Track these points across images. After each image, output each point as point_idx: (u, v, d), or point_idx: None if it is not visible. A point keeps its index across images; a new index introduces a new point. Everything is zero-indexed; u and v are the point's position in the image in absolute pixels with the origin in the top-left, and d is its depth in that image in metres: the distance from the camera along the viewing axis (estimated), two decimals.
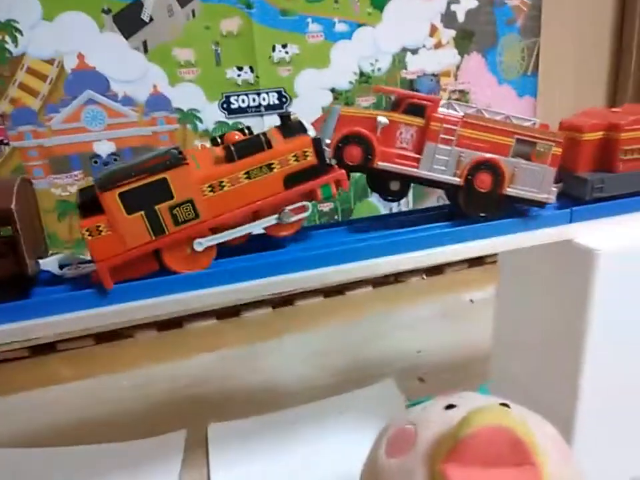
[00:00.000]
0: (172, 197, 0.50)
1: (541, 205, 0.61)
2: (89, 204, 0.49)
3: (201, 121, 1.22)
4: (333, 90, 1.30)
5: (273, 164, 0.52)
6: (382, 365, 1.13)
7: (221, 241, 0.53)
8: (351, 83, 1.31)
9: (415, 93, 0.60)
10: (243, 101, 1.24)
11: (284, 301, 1.41)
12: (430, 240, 0.59)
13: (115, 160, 1.18)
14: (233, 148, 0.51)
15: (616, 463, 0.73)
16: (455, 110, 0.59)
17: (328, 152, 0.56)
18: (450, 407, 0.47)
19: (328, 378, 1.10)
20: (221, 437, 0.92)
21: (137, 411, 1.04)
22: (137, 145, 1.19)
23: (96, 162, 1.17)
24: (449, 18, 1.34)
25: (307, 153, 0.53)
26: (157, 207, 0.50)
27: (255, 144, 0.52)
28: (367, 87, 1.32)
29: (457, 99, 1.41)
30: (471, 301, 1.38)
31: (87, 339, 1.27)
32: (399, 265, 0.58)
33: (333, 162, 0.56)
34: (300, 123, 0.55)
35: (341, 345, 1.23)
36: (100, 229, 0.49)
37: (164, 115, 1.19)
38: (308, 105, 1.27)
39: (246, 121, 1.25)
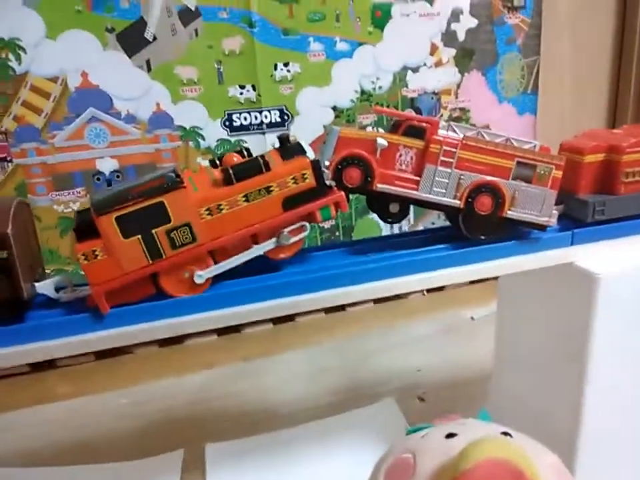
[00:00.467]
0: (169, 221, 0.49)
1: (542, 228, 0.60)
2: (85, 227, 0.49)
3: (203, 138, 1.23)
4: (334, 108, 1.31)
5: (271, 187, 0.52)
6: (382, 382, 1.12)
7: (220, 271, 0.53)
8: (352, 101, 1.32)
9: (414, 114, 0.60)
10: (245, 118, 1.24)
11: (285, 317, 1.40)
12: (429, 263, 0.59)
13: (118, 177, 1.18)
14: (231, 171, 0.51)
15: None
16: (455, 132, 0.59)
17: (327, 174, 0.55)
18: (450, 435, 0.46)
19: (328, 396, 1.09)
20: (219, 458, 0.91)
21: (134, 430, 1.03)
22: (140, 162, 1.20)
23: (99, 179, 1.18)
24: (449, 37, 1.35)
25: (305, 175, 0.52)
26: (154, 231, 0.49)
27: (253, 167, 0.51)
28: (368, 105, 1.33)
29: (457, 117, 1.42)
30: (472, 318, 1.38)
31: (87, 354, 1.26)
32: (396, 289, 0.58)
33: (332, 183, 0.56)
34: (299, 145, 0.54)
35: (341, 362, 1.23)
36: (96, 253, 0.48)
37: (167, 133, 1.20)
38: (309, 123, 1.28)
39: (248, 139, 1.25)
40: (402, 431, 0.51)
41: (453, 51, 1.37)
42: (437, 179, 0.58)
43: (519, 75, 1.44)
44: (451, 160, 0.57)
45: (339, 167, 0.56)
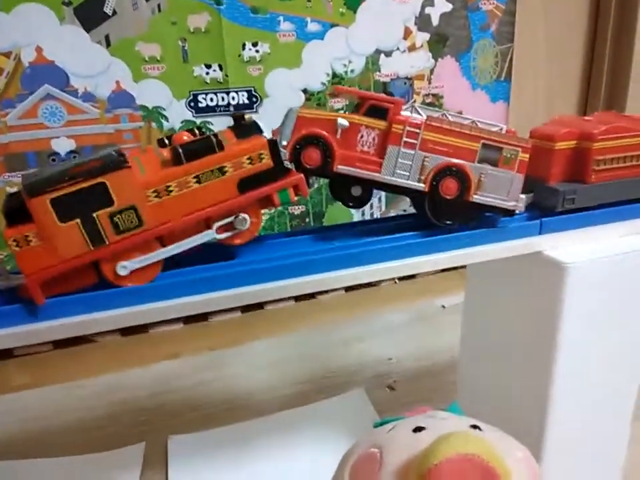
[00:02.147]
0: (112, 203, 0.46)
1: (510, 213, 0.59)
2: (16, 211, 0.45)
3: (166, 119, 1.18)
4: (305, 90, 1.28)
5: (225, 167, 0.48)
6: (352, 372, 1.11)
7: (151, 262, 0.49)
8: (323, 84, 1.29)
9: (377, 94, 0.57)
10: (212, 99, 1.20)
11: (253, 305, 1.38)
12: (395, 251, 0.57)
13: (75, 158, 1.12)
14: (180, 150, 0.47)
15: (586, 477, 0.72)
16: (419, 113, 0.57)
17: (285, 153, 0.52)
18: (418, 429, 0.44)
19: (297, 386, 1.07)
20: (182, 450, 0.89)
21: (94, 422, 1.00)
22: (99, 143, 1.14)
23: (54, 160, 1.12)
24: (423, 21, 1.33)
25: (262, 155, 0.49)
26: (94, 214, 0.45)
27: (205, 145, 0.48)
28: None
29: (430, 103, 1.40)
30: (443, 306, 1.38)
31: (45, 343, 1.22)
32: (361, 278, 0.55)
33: (291, 166, 0.53)
34: (255, 124, 0.51)
35: (310, 351, 1.21)
36: (29, 238, 0.44)
37: (127, 113, 1.15)
38: (279, 106, 1.24)
39: (214, 120, 1.21)
40: (371, 422, 0.50)
41: (427, 36, 1.35)
42: (400, 160, 0.55)
43: (492, 62, 1.43)
44: (415, 141, 0.55)
45: (298, 147, 0.54)
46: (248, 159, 0.49)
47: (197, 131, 0.52)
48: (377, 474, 0.42)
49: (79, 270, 0.47)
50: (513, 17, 1.41)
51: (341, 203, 0.61)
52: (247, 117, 0.51)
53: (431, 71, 1.38)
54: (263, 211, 0.52)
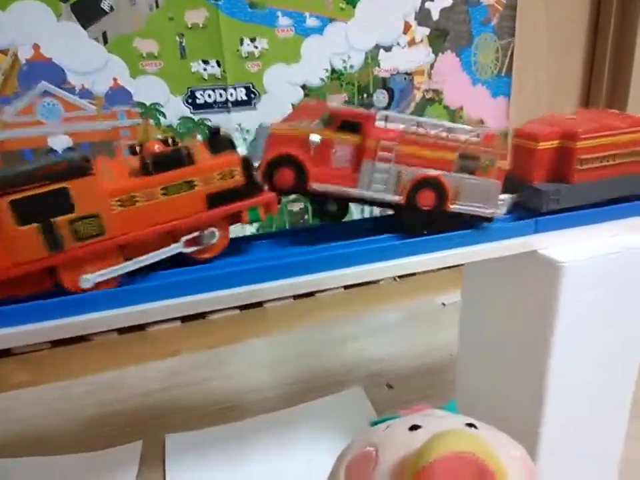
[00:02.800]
0: (72, 210, 0.45)
1: (488, 220, 0.58)
2: None
3: (164, 115, 1.17)
4: (303, 86, 1.27)
5: (194, 181, 0.48)
6: (351, 370, 1.10)
7: (115, 274, 0.48)
8: (322, 79, 1.28)
9: (348, 108, 0.56)
10: (209, 95, 1.19)
11: (252, 303, 1.37)
12: (388, 252, 0.56)
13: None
14: (149, 160, 0.47)
15: (581, 476, 0.72)
16: (394, 123, 0.55)
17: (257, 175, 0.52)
18: (414, 427, 0.44)
19: (294, 384, 1.07)
20: (179, 449, 0.89)
21: (92, 420, 1.00)
22: (96, 139, 1.14)
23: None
24: (423, 15, 1.32)
25: (234, 172, 0.49)
26: (54, 220, 0.44)
27: (174, 158, 0.47)
28: (338, 85, 1.29)
29: (430, 99, 1.39)
30: (443, 304, 1.37)
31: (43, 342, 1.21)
32: (352, 279, 0.54)
33: (265, 184, 0.52)
34: (229, 139, 0.51)
35: (309, 349, 1.21)
36: None
37: (125, 109, 1.14)
38: (277, 102, 1.23)
39: (212, 117, 1.21)
40: (369, 420, 0.49)
41: (426, 31, 1.34)
42: (375, 175, 0.54)
43: (493, 57, 1.42)
44: (390, 155, 0.54)
45: (270, 167, 0.52)
46: (219, 174, 0.48)
47: (170, 141, 0.51)
48: (372, 472, 0.42)
49: (34, 275, 0.46)
50: (513, 11, 1.39)
51: None
52: (222, 131, 0.51)
53: (431, 66, 1.37)
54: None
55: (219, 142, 0.50)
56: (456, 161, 0.55)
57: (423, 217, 0.56)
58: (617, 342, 0.66)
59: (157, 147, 0.49)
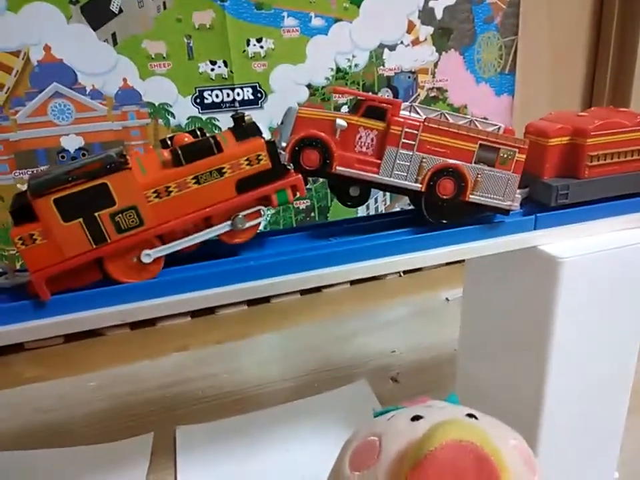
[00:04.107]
0: (113, 203, 0.47)
1: (505, 212, 0.60)
2: (22, 210, 0.46)
3: (173, 115, 1.19)
4: (309, 86, 1.28)
5: (223, 168, 0.49)
6: (356, 364, 1.12)
7: (169, 251, 0.51)
8: (327, 79, 1.29)
9: (375, 95, 0.58)
10: (217, 95, 1.21)
11: (260, 298, 1.39)
12: (393, 247, 0.58)
13: (84, 155, 1.14)
14: (180, 151, 0.49)
15: (581, 468, 0.73)
16: (418, 113, 0.58)
17: (284, 155, 0.53)
18: (416, 417, 0.45)
19: (302, 378, 1.09)
20: (189, 441, 0.91)
21: (104, 413, 1.02)
22: (107, 139, 1.16)
23: (63, 157, 1.14)
24: (426, 14, 1.33)
25: (260, 157, 0.50)
26: (96, 214, 0.47)
27: (203, 147, 0.49)
28: (343, 84, 1.30)
29: (434, 97, 1.40)
30: (447, 299, 1.38)
31: (56, 337, 1.24)
32: (358, 274, 0.56)
33: (291, 166, 0.54)
34: (254, 125, 0.52)
35: (316, 344, 1.22)
36: (34, 237, 0.46)
37: (134, 109, 1.16)
38: (284, 101, 1.25)
39: (220, 116, 1.22)
40: (371, 416, 0.50)
41: (430, 29, 1.35)
42: (398, 161, 0.56)
43: (496, 55, 1.43)
44: (413, 142, 0.55)
45: (297, 148, 0.54)
46: (246, 160, 0.50)
47: (198, 132, 0.53)
48: (375, 461, 0.43)
49: (84, 267, 0.48)
50: (517, 9, 1.40)
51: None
52: (246, 117, 0.52)
53: (435, 65, 1.38)
54: (266, 208, 0.53)
55: (243, 129, 0.52)
56: (476, 152, 0.57)
57: (441, 206, 0.58)
58: (616, 336, 0.66)
59: (187, 139, 0.51)
